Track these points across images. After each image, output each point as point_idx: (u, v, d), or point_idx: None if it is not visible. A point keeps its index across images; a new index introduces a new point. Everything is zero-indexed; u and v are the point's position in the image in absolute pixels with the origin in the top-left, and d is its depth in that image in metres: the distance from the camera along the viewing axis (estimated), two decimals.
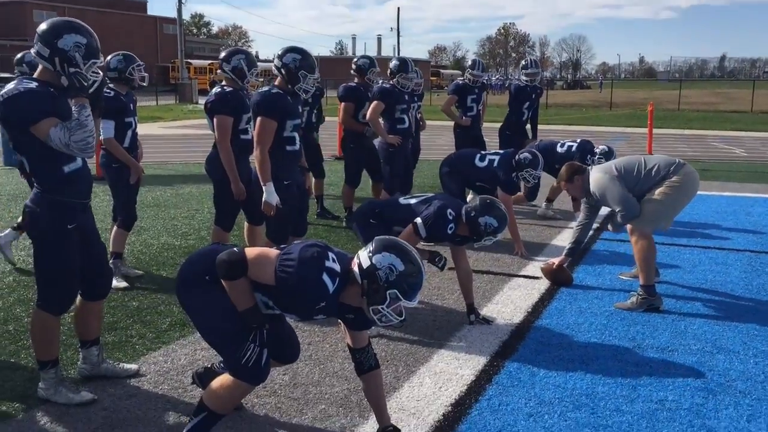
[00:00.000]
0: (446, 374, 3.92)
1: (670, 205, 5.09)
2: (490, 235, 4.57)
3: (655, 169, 5.11)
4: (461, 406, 3.54)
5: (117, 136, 5.42)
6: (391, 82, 7.49)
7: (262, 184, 4.84)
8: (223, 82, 5.29)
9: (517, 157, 6.83)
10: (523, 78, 9.17)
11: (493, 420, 3.40)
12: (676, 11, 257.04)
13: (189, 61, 48.82)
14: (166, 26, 67.93)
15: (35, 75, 3.38)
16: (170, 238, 7.18)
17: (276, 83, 4.98)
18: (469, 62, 9.23)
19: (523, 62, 9.45)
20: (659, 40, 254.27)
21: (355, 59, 7.89)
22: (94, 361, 3.80)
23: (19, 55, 5.90)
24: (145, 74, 5.69)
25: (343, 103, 7.65)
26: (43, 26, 3.35)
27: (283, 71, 4.90)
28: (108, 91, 5.44)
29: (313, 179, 8.15)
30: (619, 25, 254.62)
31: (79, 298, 3.66)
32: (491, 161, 6.97)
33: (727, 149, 17.33)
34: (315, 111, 7.99)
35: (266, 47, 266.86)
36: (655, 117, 15.54)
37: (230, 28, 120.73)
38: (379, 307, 2.81)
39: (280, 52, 4.98)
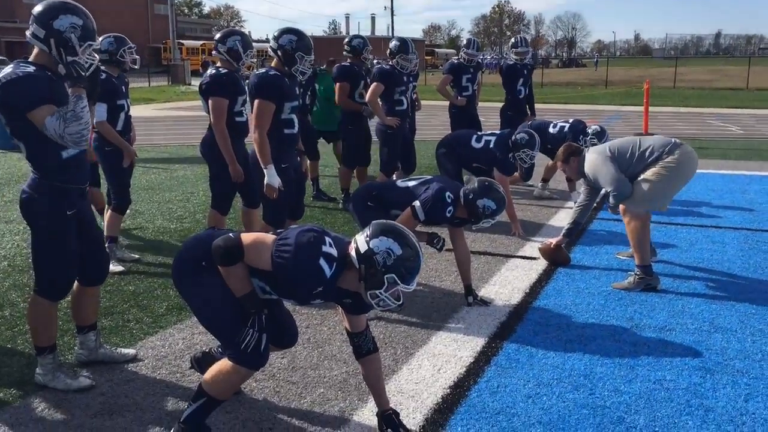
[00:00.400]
0: (445, 356, 3.92)
1: (664, 186, 5.07)
2: (489, 217, 4.56)
3: (649, 150, 5.09)
4: (460, 388, 3.54)
5: (110, 119, 5.36)
6: (390, 62, 7.42)
7: (263, 166, 4.82)
8: (218, 64, 5.23)
9: (513, 137, 6.80)
10: (513, 56, 9.12)
11: (492, 402, 3.40)
12: None
13: (181, 41, 48.43)
14: (157, 6, 67.25)
15: (31, 58, 3.32)
16: (165, 221, 7.14)
17: (273, 65, 4.93)
18: (464, 41, 9.17)
19: (512, 40, 9.37)
20: (655, 17, 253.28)
21: (347, 39, 7.81)
22: (92, 347, 3.78)
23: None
24: (137, 56, 5.63)
25: (338, 84, 7.57)
26: (38, 7, 3.29)
27: (279, 53, 4.85)
28: (100, 73, 5.38)
29: (308, 161, 8.10)
30: (614, 2, 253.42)
31: (76, 283, 3.64)
32: (488, 142, 6.96)
33: (723, 127, 17.31)
34: (309, 92, 7.93)
35: (259, 27, 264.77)
36: (651, 95, 15.47)
37: (222, 8, 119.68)
38: (377, 292, 2.79)
39: (276, 34, 4.96)
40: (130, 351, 3.90)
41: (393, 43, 7.53)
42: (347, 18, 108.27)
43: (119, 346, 4.01)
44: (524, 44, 9.14)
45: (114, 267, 5.39)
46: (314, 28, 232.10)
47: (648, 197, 5.07)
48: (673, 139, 5.18)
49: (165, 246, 6.19)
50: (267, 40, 76.97)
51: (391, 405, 3.19)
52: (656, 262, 5.46)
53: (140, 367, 3.77)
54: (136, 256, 5.80)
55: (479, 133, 7.26)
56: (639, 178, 5.08)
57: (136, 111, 20.44)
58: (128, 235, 6.47)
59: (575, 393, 3.48)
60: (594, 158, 5.22)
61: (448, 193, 4.58)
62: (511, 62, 9.08)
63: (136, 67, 5.61)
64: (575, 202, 5.78)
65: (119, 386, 3.55)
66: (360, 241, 2.83)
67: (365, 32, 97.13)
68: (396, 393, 3.48)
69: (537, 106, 9.95)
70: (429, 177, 4.92)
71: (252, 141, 4.86)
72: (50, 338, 3.52)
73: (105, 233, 5.57)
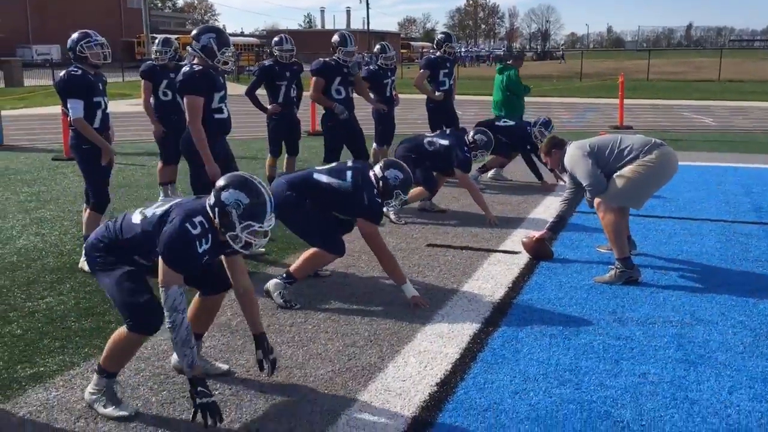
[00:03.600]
0: (430, 353, 3.92)
1: (639, 183, 5.10)
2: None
3: (627, 149, 5.14)
4: (447, 385, 3.54)
5: (86, 116, 5.27)
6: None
7: (202, 156, 5.06)
8: (195, 60, 5.17)
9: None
10: (381, 62, 8.76)
11: (480, 398, 3.40)
12: None
13: (154, 35, 47.80)
14: (129, 0, 66.40)
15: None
16: None
17: (195, 62, 5.12)
18: (441, 36, 9.14)
19: (377, 47, 9.04)
20: (627, 10, 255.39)
21: (335, 35, 7.69)
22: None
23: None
24: (102, 51, 5.37)
25: (313, 78, 7.45)
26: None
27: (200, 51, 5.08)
28: (75, 69, 5.29)
29: (286, 156, 8.01)
30: None
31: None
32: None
33: (697, 119, 17.51)
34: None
35: (233, 20, 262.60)
36: (625, 87, 15.62)
37: (196, 2, 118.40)
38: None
39: (194, 34, 5.14)
40: (224, 366, 3.73)
41: (334, 38, 7.47)
42: (322, 11, 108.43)
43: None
44: (389, 50, 8.58)
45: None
46: (289, 21, 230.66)
47: (622, 193, 5.10)
48: (653, 140, 5.22)
49: None
50: (242, 34, 76.36)
51: (378, 404, 3.18)
52: (636, 255, 5.50)
53: (122, 371, 3.69)
54: None
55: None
56: (615, 174, 5.12)
57: (111, 107, 20.20)
58: None
59: (562, 388, 3.49)
60: (573, 152, 5.26)
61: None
62: (375, 68, 8.61)
63: (103, 62, 5.39)
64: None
65: None
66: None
67: (340, 25, 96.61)
68: (383, 391, 3.47)
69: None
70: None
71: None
72: (120, 367, 3.39)
73: (84, 233, 5.48)
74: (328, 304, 4.67)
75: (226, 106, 5.24)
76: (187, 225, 3.05)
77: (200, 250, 3.09)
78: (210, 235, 3.11)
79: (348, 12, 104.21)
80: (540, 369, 3.70)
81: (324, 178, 4.68)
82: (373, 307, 4.61)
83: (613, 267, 5.16)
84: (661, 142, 5.22)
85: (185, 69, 5.09)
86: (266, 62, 7.85)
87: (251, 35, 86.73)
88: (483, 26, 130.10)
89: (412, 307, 4.57)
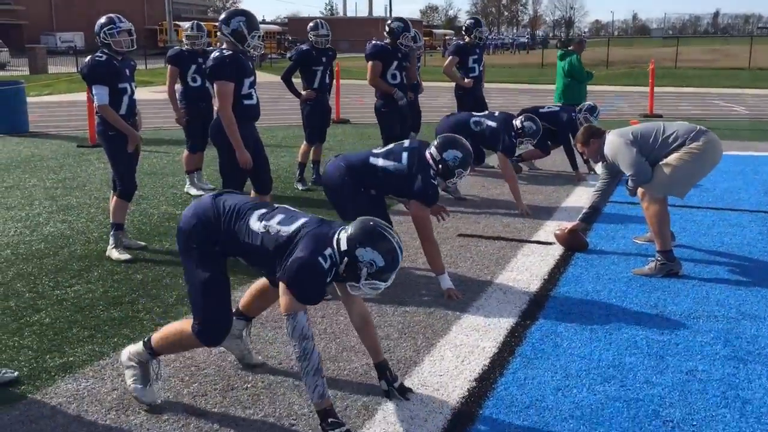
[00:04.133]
0: (467, 347, 3.79)
1: (685, 172, 4.92)
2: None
3: (673, 136, 4.94)
4: (486, 381, 3.42)
5: (112, 103, 5.19)
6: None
7: (233, 143, 4.93)
8: (224, 46, 5.06)
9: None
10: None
11: (521, 395, 3.28)
12: None
13: (177, 23, 47.86)
14: None
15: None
16: (170, 207, 6.99)
17: (224, 47, 5.00)
18: (471, 21, 8.95)
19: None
20: None
21: (389, 21, 7.56)
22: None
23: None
24: (125, 38, 5.27)
25: (370, 62, 7.28)
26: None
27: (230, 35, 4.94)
28: (99, 55, 5.21)
29: (304, 143, 7.87)
30: None
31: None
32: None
33: (728, 107, 17.13)
34: (328, 72, 7.68)
35: (255, 8, 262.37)
36: (654, 75, 15.31)
37: None
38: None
39: (223, 17, 5.00)
40: (259, 357, 3.62)
41: (395, 23, 7.38)
42: None
43: (130, 337, 3.88)
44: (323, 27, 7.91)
45: (120, 255, 5.25)
46: (311, 9, 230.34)
47: (668, 182, 4.93)
48: (698, 126, 5.02)
49: (171, 232, 6.04)
50: (263, 21, 76.25)
51: (416, 399, 3.07)
52: (675, 247, 5.32)
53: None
54: (143, 243, 5.65)
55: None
56: (661, 163, 4.94)
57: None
58: (133, 222, 6.32)
59: (606, 385, 3.36)
60: (615, 140, 5.07)
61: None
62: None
63: (129, 48, 5.30)
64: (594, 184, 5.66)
65: None
66: (343, 242, 2.92)
67: (363, 12, 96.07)
68: (420, 386, 3.35)
69: (541, 87, 10.04)
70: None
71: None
72: (167, 353, 3.35)
73: (111, 220, 5.42)
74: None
75: (255, 91, 5.13)
76: (319, 258, 2.86)
77: (327, 281, 2.95)
78: (335, 270, 2.95)
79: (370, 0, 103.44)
80: (582, 364, 3.57)
81: (380, 162, 4.60)
82: (406, 298, 4.49)
83: (652, 259, 4.99)
84: (705, 129, 5.03)
85: (215, 54, 4.98)
86: (303, 46, 7.68)
87: (273, 23, 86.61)
88: (506, 13, 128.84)
89: (446, 298, 4.46)
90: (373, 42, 7.53)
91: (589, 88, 10.27)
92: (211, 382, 3.40)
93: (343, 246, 2.90)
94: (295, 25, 71.19)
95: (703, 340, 3.85)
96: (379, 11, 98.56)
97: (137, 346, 3.26)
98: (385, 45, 7.34)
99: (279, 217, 3.05)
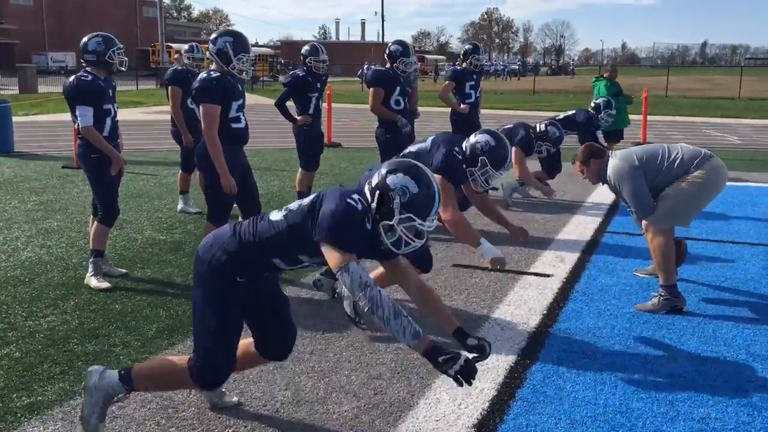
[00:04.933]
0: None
1: (690, 202, 4.75)
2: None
3: (678, 161, 4.76)
4: (485, 428, 3.19)
5: (96, 124, 4.98)
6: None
7: (217, 168, 4.74)
8: (212, 67, 4.88)
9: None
10: (465, 64, 8.67)
11: None
12: None
13: (170, 44, 47.84)
14: (146, 9, 66.67)
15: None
16: (155, 232, 6.75)
17: (213, 68, 4.82)
18: (469, 47, 8.82)
19: (467, 47, 8.91)
20: (642, 26, 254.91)
21: (390, 44, 7.34)
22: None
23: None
24: (125, 58, 5.21)
25: (372, 89, 7.07)
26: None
27: (216, 55, 4.77)
28: (85, 75, 5.01)
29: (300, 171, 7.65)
30: (602, 11, 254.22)
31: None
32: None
33: (721, 137, 17.09)
34: (321, 98, 7.48)
35: (248, 31, 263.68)
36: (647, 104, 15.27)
37: (211, 12, 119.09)
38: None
39: (212, 37, 4.84)
40: (234, 399, 3.38)
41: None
42: (337, 23, 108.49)
43: None
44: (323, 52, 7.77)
45: (99, 283, 5.01)
46: (304, 32, 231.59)
47: (672, 214, 4.75)
48: (703, 151, 4.86)
49: (154, 259, 5.80)
50: (256, 44, 76.50)
51: None
52: (677, 281, 5.13)
53: (127, 400, 3.37)
54: (124, 270, 5.40)
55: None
56: (664, 193, 4.76)
57: (125, 114, 19.99)
58: (115, 248, 6.07)
59: None
60: (619, 165, 4.85)
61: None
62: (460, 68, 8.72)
63: (123, 69, 5.20)
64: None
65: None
66: (373, 179, 2.82)
67: (355, 37, 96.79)
68: None
69: (532, 114, 10.04)
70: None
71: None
72: (149, 391, 3.22)
73: (91, 246, 5.18)
74: (349, 329, 4.33)
75: (243, 115, 4.94)
76: (349, 200, 2.73)
77: (368, 227, 2.76)
78: (369, 218, 2.77)
79: (363, 24, 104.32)
80: (588, 410, 3.34)
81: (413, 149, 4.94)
82: None
83: (655, 294, 4.79)
84: (710, 153, 4.86)
85: (202, 75, 4.80)
86: (298, 72, 7.35)
87: (265, 45, 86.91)
88: (497, 40, 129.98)
89: (493, 269, 4.63)
90: (374, 68, 7.32)
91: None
92: (189, 426, 3.16)
93: (374, 182, 2.81)
94: (287, 48, 71.47)
95: (713, 384, 3.64)
96: (371, 36, 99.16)
97: (111, 377, 2.99)
98: (387, 70, 7.13)
99: (296, 201, 2.98)
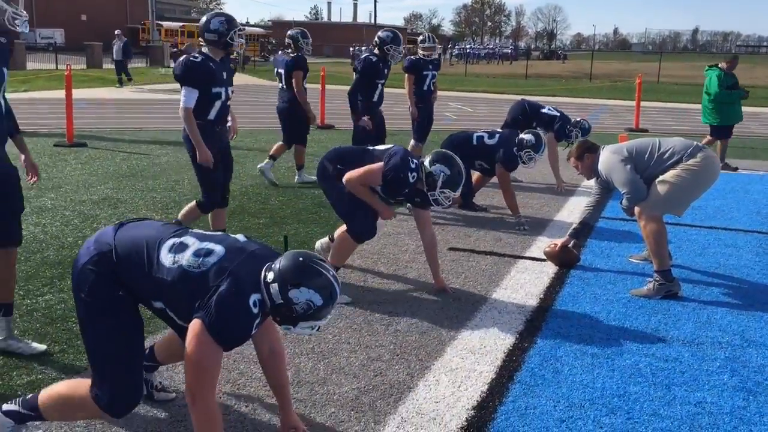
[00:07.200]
0: (463, 371, 3.59)
1: (683, 189, 4.79)
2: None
3: (669, 152, 4.81)
4: (485, 410, 3.22)
5: (201, 108, 4.85)
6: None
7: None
8: (204, 50, 4.95)
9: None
10: (421, 52, 8.36)
11: (522, 426, 3.08)
12: None
13: (160, 23, 47.35)
14: None
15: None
16: (150, 211, 6.72)
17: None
18: (387, 34, 8.26)
19: (420, 37, 8.77)
20: (634, 12, 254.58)
21: (380, 32, 7.36)
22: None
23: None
24: (243, 40, 5.25)
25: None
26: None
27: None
28: (195, 56, 4.87)
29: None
30: None
31: None
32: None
33: None
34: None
35: (238, 11, 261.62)
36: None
37: None
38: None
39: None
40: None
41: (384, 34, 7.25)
42: (329, 4, 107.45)
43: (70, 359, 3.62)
44: (431, 41, 8.38)
45: None
46: (295, 12, 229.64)
47: (666, 200, 4.78)
48: (694, 142, 4.90)
49: None
50: (247, 24, 75.95)
51: (412, 429, 2.86)
52: (672, 267, 5.18)
53: None
54: None
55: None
56: (657, 180, 4.79)
57: (112, 93, 19.82)
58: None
59: (612, 417, 3.17)
60: (609, 157, 4.92)
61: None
62: (416, 58, 8.35)
63: (240, 52, 5.26)
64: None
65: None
66: (274, 291, 2.48)
67: (347, 18, 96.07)
68: (415, 414, 3.15)
69: (526, 97, 9.91)
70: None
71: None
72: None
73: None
74: (348, 311, 4.35)
75: (225, 95, 4.96)
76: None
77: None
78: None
79: (355, 5, 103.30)
80: (585, 393, 3.38)
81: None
82: (397, 316, 4.29)
83: (650, 279, 4.84)
84: (702, 145, 4.90)
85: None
86: (371, 57, 7.16)
87: (256, 25, 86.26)
88: (489, 24, 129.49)
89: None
90: (364, 54, 7.35)
91: (574, 101, 10.01)
92: (185, 405, 3.16)
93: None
94: (278, 28, 70.86)
95: (709, 369, 3.68)
96: (363, 17, 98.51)
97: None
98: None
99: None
